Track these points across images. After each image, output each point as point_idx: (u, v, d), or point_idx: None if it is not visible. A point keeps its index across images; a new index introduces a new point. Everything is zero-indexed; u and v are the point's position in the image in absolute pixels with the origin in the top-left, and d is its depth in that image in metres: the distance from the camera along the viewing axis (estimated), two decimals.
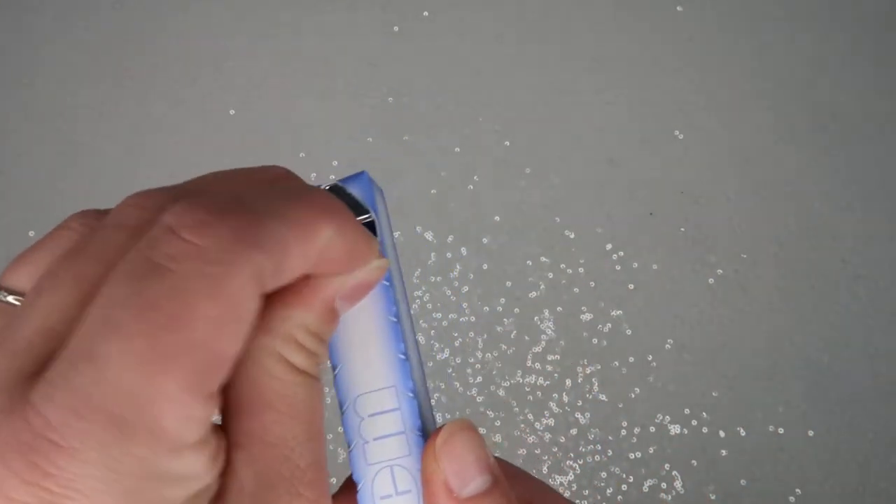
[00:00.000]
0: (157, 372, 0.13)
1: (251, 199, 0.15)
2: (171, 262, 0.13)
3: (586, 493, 0.95)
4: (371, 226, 0.19)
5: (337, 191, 0.20)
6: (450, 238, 1.04)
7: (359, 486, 0.19)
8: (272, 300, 0.16)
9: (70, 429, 0.12)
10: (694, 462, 0.95)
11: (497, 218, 1.05)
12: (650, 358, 0.99)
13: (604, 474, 0.95)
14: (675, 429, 0.96)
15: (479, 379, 0.99)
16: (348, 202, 0.19)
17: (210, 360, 0.13)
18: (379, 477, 0.19)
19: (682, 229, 1.06)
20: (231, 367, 0.14)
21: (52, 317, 0.14)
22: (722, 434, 0.96)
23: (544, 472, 0.95)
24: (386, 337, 0.19)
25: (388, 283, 0.19)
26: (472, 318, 1.00)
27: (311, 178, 1.04)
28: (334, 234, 0.16)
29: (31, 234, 0.99)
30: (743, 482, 0.94)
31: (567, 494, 0.94)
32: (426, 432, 0.19)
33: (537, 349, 0.99)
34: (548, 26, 1.17)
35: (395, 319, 0.19)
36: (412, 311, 1.01)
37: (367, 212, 0.19)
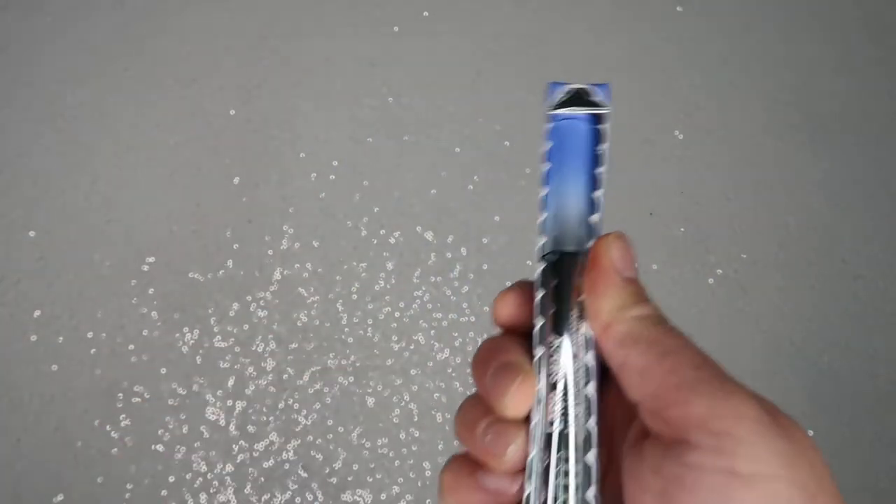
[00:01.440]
0: None
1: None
2: None
3: None
4: (602, 119, 0.27)
5: (581, 92, 0.27)
6: (450, 238, 1.04)
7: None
8: None
9: None
10: None
11: (497, 218, 1.05)
12: None
13: None
14: None
15: None
16: (587, 98, 0.27)
17: None
18: None
19: (682, 229, 1.06)
20: None
21: None
22: None
23: None
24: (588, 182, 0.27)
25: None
26: (472, 318, 1.00)
27: (312, 178, 1.04)
28: None
29: (32, 234, 0.99)
30: None
31: None
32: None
33: None
34: (548, 26, 1.17)
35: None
36: (412, 313, 1.01)
37: (605, 106, 0.27)
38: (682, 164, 1.10)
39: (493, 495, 0.25)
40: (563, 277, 0.26)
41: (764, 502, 0.19)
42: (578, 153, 0.27)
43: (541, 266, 0.26)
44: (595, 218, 0.27)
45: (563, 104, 0.27)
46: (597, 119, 0.27)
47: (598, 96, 0.27)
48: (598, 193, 0.28)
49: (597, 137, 0.27)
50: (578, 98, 0.27)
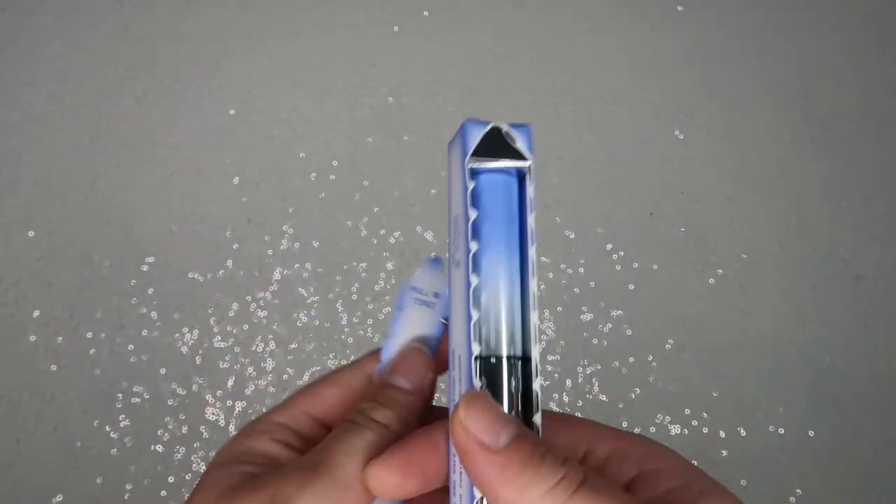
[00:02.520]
0: None
1: None
2: None
3: None
4: (526, 176, 0.22)
5: (496, 132, 0.21)
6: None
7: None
8: None
9: None
10: (694, 462, 0.95)
11: None
12: (650, 358, 0.99)
13: None
14: (675, 429, 0.96)
15: None
16: (506, 147, 0.21)
17: None
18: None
19: (682, 229, 1.06)
20: None
21: None
22: (722, 434, 0.96)
23: None
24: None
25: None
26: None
27: (311, 178, 1.04)
28: None
29: (31, 234, 0.99)
30: (743, 482, 0.94)
31: None
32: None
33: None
34: (547, 26, 1.17)
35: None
36: None
37: (524, 158, 0.21)
38: (682, 164, 1.10)
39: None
40: (497, 388, 0.21)
41: None
42: (507, 226, 0.21)
43: (479, 381, 0.21)
44: (535, 317, 0.21)
45: (481, 151, 0.21)
46: (522, 177, 0.22)
47: (519, 142, 0.21)
48: (535, 283, 0.21)
49: (524, 203, 0.22)
50: (499, 142, 0.21)
